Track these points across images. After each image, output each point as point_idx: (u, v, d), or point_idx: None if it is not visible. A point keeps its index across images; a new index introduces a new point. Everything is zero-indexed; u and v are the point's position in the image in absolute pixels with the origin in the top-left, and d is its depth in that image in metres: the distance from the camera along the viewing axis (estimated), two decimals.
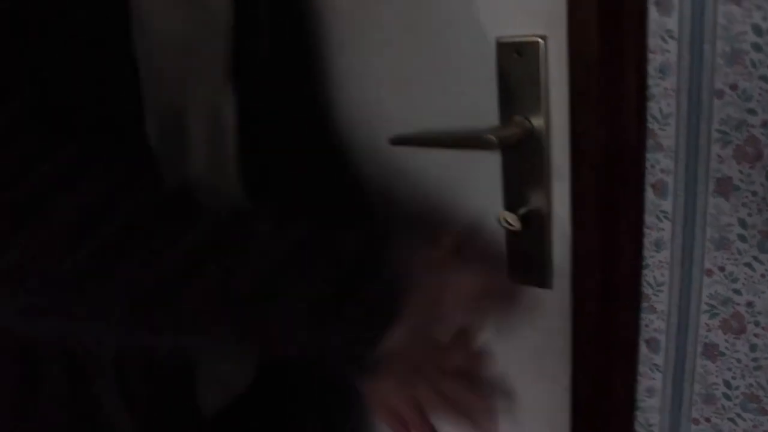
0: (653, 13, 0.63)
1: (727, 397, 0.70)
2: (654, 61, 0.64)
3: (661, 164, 0.67)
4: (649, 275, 0.71)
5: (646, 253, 0.71)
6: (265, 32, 0.71)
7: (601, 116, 0.67)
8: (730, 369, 0.69)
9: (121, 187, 0.52)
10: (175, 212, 0.54)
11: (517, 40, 0.70)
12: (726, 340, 0.69)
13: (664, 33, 0.63)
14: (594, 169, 0.69)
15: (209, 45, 0.67)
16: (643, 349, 0.74)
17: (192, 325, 0.54)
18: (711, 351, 0.70)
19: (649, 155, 0.67)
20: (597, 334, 0.75)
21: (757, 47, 0.59)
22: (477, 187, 0.77)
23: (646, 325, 0.73)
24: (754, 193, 0.63)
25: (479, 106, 0.74)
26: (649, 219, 0.69)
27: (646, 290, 0.72)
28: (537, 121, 0.72)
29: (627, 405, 0.76)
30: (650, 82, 0.65)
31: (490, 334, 0.82)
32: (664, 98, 0.65)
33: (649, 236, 0.70)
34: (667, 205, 0.68)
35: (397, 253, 0.62)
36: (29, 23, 0.50)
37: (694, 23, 0.62)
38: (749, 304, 0.66)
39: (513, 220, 0.72)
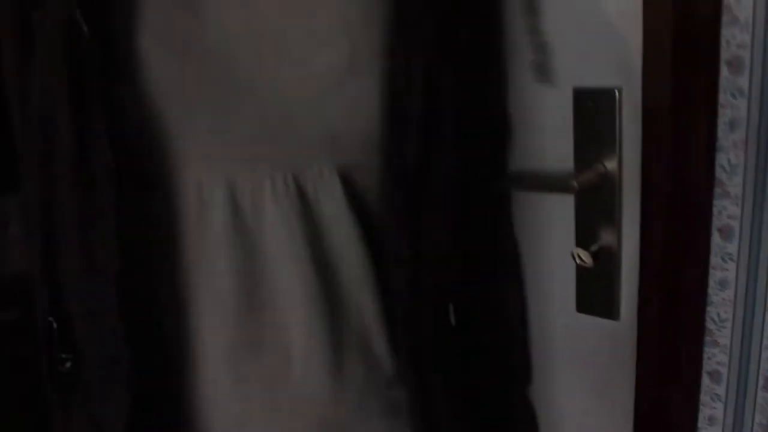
0: (725, 71, 0.68)
1: None
2: (724, 115, 0.69)
3: (728, 210, 0.72)
4: (713, 312, 0.76)
5: (711, 291, 0.75)
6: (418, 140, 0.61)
7: (671, 164, 0.72)
8: None
9: None
10: None
11: (593, 89, 0.76)
12: None
13: (735, 90, 0.68)
14: (663, 213, 0.74)
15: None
16: (706, 380, 0.79)
17: None
18: None
19: (716, 202, 0.72)
20: (661, 365, 0.80)
21: None
22: (550, 223, 0.83)
23: (709, 358, 0.78)
24: None
25: (555, 150, 0.80)
26: (714, 260, 0.74)
27: (710, 326, 0.77)
28: (610, 165, 0.77)
29: None
30: (720, 134, 0.70)
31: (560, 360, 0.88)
32: (732, 150, 0.70)
33: (714, 276, 0.75)
34: (732, 248, 0.73)
35: None
36: None
37: (764, 83, 0.67)
38: None
39: (585, 257, 0.78)
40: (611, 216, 0.78)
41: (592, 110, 0.76)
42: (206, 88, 0.55)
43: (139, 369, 0.56)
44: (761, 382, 0.75)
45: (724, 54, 0.68)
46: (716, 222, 0.73)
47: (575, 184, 0.72)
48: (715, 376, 0.78)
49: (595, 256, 0.79)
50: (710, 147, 0.70)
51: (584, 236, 0.81)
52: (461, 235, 0.67)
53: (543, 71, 0.70)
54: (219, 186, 0.56)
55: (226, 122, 0.55)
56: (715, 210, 0.72)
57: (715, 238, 0.73)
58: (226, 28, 0.55)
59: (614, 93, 0.75)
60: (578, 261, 0.78)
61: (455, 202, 0.64)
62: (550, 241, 0.84)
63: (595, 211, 0.79)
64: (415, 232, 0.61)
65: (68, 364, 0.59)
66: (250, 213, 0.56)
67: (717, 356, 0.77)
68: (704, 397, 0.80)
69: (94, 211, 0.52)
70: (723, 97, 0.69)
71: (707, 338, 0.78)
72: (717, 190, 0.72)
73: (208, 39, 0.54)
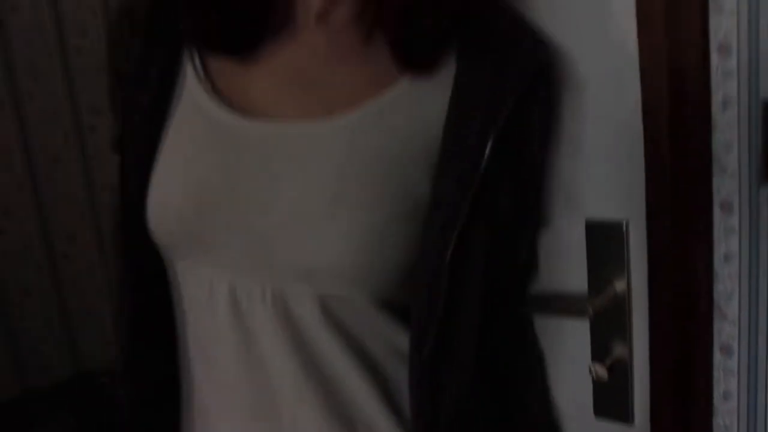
0: (717, 212, 0.79)
1: None
2: (719, 250, 0.79)
3: (726, 331, 0.81)
4: (719, 420, 0.84)
5: (716, 401, 0.84)
6: None
7: (675, 291, 0.82)
8: None
9: None
10: None
11: (603, 221, 0.86)
12: None
13: (727, 228, 0.78)
14: (670, 332, 0.83)
15: None
16: None
17: None
18: None
19: (716, 323, 0.81)
20: None
21: None
22: (566, 339, 0.92)
23: None
24: None
25: (569, 272, 0.90)
26: (717, 374, 0.83)
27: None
28: (620, 287, 0.87)
29: None
30: (716, 266, 0.80)
31: None
32: (728, 280, 0.79)
33: (718, 388, 0.83)
34: (732, 364, 0.82)
35: None
36: None
37: (751, 223, 0.77)
38: None
39: (600, 370, 0.87)
40: (623, 332, 0.88)
41: (603, 239, 0.86)
42: (216, 224, 0.69)
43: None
44: None
45: (716, 197, 0.78)
46: (717, 341, 0.82)
47: (590, 309, 0.82)
48: None
49: (609, 367, 0.88)
50: (708, 277, 0.80)
51: (599, 350, 0.90)
52: (485, 365, 0.76)
53: None
54: (224, 286, 0.70)
55: (229, 245, 0.69)
56: (715, 330, 0.81)
57: (717, 355, 0.82)
58: (237, 192, 0.69)
59: (622, 225, 0.85)
60: (594, 375, 0.87)
61: (477, 345, 0.72)
62: (567, 352, 0.93)
63: (608, 328, 0.88)
64: (437, 380, 0.70)
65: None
66: (246, 309, 0.69)
67: None
68: None
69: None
70: (717, 234, 0.79)
71: None
72: (716, 313, 0.81)
73: (225, 199, 0.69)
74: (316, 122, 0.67)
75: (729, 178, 0.77)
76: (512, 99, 0.67)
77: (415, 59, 0.67)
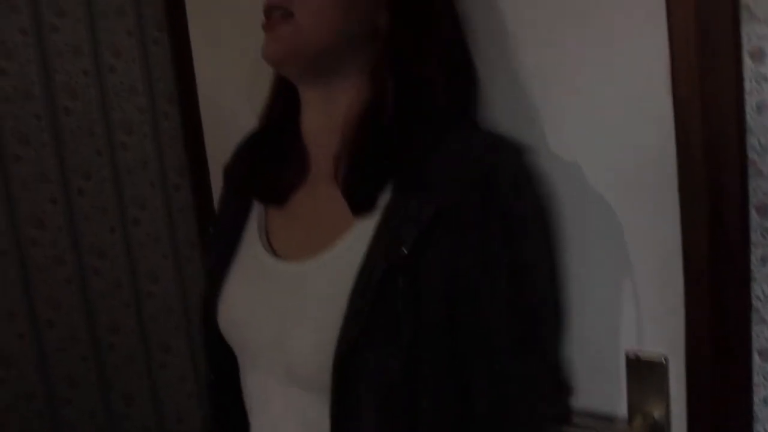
0: (756, 357, 0.82)
1: None
2: (758, 394, 0.83)
3: None
4: None
5: None
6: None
7: (712, 428, 0.85)
8: None
9: None
10: None
11: (644, 357, 0.90)
12: None
13: (765, 374, 0.82)
14: None
15: None
16: None
17: None
18: None
19: None
20: None
21: None
22: None
23: None
24: None
25: (611, 402, 0.93)
26: None
27: None
28: (658, 413, 0.90)
29: None
30: (755, 409, 0.83)
31: None
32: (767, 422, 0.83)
33: None
34: None
35: None
36: None
37: None
38: None
39: None
40: None
41: (643, 373, 0.90)
42: (244, 332, 0.88)
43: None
44: None
45: (755, 344, 0.82)
46: None
47: None
48: None
49: None
50: (748, 418, 0.83)
51: None
52: None
53: None
54: (256, 371, 0.89)
55: (249, 345, 0.88)
56: None
57: None
58: (257, 310, 0.86)
59: (662, 361, 0.88)
60: None
61: None
62: None
63: None
64: None
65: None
66: (264, 389, 0.88)
67: None
68: None
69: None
70: (756, 378, 0.83)
71: None
72: None
73: (248, 313, 0.87)
74: (301, 263, 0.83)
75: None
76: (416, 231, 0.73)
77: (358, 206, 0.78)
